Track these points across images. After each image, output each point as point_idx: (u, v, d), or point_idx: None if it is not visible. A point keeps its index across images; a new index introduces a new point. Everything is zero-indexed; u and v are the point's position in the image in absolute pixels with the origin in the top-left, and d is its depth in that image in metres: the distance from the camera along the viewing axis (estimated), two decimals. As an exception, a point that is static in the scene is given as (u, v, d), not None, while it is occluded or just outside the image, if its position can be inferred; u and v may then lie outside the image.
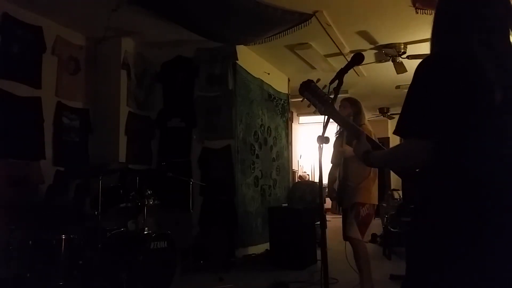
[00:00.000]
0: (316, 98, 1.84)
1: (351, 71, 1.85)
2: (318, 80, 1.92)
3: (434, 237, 1.27)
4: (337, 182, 3.66)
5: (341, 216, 3.76)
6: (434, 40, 1.41)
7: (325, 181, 3.75)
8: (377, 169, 3.60)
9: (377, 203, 3.66)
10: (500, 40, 1.33)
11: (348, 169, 3.59)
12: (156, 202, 4.16)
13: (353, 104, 3.70)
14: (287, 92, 7.70)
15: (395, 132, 1.34)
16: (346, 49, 6.03)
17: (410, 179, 1.51)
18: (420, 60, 1.37)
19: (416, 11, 4.69)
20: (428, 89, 1.27)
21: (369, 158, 1.52)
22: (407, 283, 1.37)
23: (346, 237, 3.59)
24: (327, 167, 3.76)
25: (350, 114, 3.62)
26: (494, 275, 1.20)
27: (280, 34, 5.30)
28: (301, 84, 1.91)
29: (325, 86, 1.84)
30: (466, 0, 1.37)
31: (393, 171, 1.65)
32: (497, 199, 1.21)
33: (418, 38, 5.54)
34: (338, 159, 3.70)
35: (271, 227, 5.46)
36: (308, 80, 1.91)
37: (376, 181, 3.64)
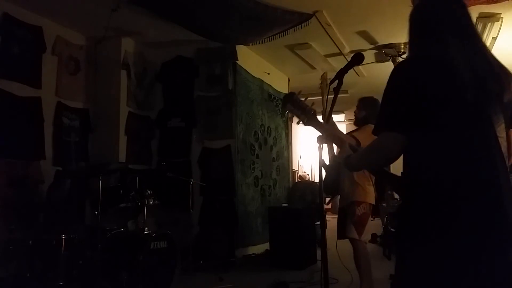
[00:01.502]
0: (299, 110, 1.88)
1: (351, 71, 1.85)
2: (300, 92, 1.99)
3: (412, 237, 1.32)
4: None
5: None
6: (410, 45, 1.50)
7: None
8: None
9: (374, 202, 3.62)
10: (471, 44, 1.41)
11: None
12: (156, 202, 4.16)
13: (366, 106, 3.65)
14: (287, 92, 7.70)
15: (373, 132, 1.42)
16: (346, 49, 6.03)
17: (385, 178, 1.60)
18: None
19: (416, 11, 4.69)
20: (402, 89, 1.35)
21: (349, 161, 1.58)
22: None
23: (340, 236, 3.58)
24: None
25: (364, 115, 3.59)
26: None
27: (280, 34, 5.30)
28: (283, 97, 2.05)
29: (306, 98, 1.91)
30: (439, 8, 1.46)
31: (371, 170, 1.72)
32: (458, 191, 1.25)
33: (418, 38, 5.53)
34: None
35: (271, 227, 5.46)
36: (290, 92, 1.98)
37: (372, 180, 3.61)
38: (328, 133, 1.82)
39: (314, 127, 1.84)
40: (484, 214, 1.24)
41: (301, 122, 1.90)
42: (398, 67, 1.43)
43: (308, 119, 1.84)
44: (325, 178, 3.75)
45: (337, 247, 3.20)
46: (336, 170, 3.47)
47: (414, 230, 1.31)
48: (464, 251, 1.23)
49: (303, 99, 1.90)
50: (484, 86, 1.35)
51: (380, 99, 1.43)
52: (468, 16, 1.46)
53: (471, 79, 1.33)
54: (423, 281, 1.27)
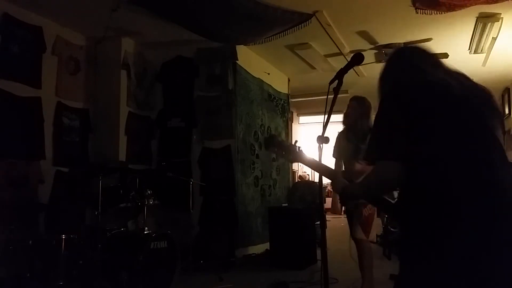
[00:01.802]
0: (283, 150, 1.93)
1: (351, 71, 1.84)
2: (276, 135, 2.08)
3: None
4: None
5: (341, 216, 3.76)
6: (387, 79, 1.58)
7: (325, 181, 3.74)
8: None
9: None
10: (445, 69, 1.52)
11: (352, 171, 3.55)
12: (156, 202, 4.16)
13: (361, 104, 3.65)
14: (287, 92, 7.70)
15: (366, 159, 1.46)
16: (346, 49, 6.03)
17: (387, 209, 1.60)
18: None
19: (416, 11, 4.70)
20: (395, 116, 1.37)
21: (346, 192, 1.60)
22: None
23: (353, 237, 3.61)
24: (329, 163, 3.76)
25: (360, 114, 3.58)
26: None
27: (280, 34, 5.30)
28: (264, 141, 2.11)
29: (296, 141, 1.99)
30: (412, 55, 1.59)
31: (369, 199, 1.73)
32: (462, 209, 1.26)
33: (418, 38, 5.54)
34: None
35: (271, 227, 5.46)
36: (271, 135, 2.09)
37: None
38: (317, 167, 1.82)
39: (302, 163, 1.89)
40: (484, 215, 1.24)
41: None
42: (388, 95, 1.47)
43: (294, 157, 1.89)
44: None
45: (337, 247, 3.21)
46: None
47: (417, 234, 1.32)
48: (465, 251, 1.23)
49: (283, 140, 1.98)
50: (475, 94, 1.41)
51: (379, 99, 1.44)
52: (436, 58, 1.56)
53: (460, 89, 1.39)
54: (427, 283, 1.29)
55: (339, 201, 3.88)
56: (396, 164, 1.34)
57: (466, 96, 1.40)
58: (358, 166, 3.40)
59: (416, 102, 1.36)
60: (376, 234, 6.65)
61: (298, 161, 1.90)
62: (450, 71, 1.51)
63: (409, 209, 1.37)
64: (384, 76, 1.61)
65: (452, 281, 1.24)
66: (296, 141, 2.03)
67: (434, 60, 1.55)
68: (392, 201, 1.57)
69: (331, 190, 3.73)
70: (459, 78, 1.47)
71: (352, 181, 1.63)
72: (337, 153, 3.75)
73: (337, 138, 3.75)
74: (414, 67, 1.51)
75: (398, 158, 1.33)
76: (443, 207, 1.27)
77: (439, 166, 1.30)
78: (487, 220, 1.24)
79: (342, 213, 3.85)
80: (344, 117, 3.74)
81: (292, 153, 1.89)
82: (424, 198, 1.31)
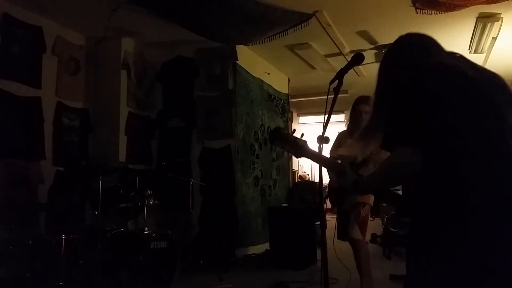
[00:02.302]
0: (287, 144, 1.80)
1: (351, 71, 1.84)
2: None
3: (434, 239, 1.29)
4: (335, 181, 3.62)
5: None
6: (398, 64, 1.54)
7: (325, 181, 3.74)
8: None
9: (372, 204, 3.66)
10: (461, 57, 1.50)
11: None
12: (156, 202, 4.15)
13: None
14: (287, 92, 7.70)
15: (384, 145, 1.39)
16: (346, 49, 6.03)
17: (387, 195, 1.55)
18: None
19: (416, 11, 4.70)
20: (417, 101, 1.33)
21: (359, 185, 1.54)
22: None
23: (342, 236, 3.59)
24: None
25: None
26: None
27: (280, 34, 5.30)
28: (270, 134, 1.88)
29: (294, 130, 1.88)
30: (423, 40, 1.58)
31: (383, 189, 1.60)
32: (485, 197, 1.23)
33: (418, 38, 5.53)
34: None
35: (271, 227, 5.46)
36: (275, 128, 1.93)
37: None
38: (324, 161, 1.78)
39: (307, 157, 1.76)
40: (500, 210, 1.22)
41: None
42: (406, 80, 1.41)
43: (299, 152, 1.76)
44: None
45: (337, 247, 3.21)
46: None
47: (433, 227, 1.29)
48: (481, 246, 1.22)
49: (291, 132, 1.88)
50: (491, 83, 1.38)
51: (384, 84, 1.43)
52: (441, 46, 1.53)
53: (479, 79, 1.35)
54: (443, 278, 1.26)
55: (329, 200, 3.83)
56: (416, 150, 1.30)
57: (482, 83, 1.37)
58: (342, 150, 3.36)
59: (435, 88, 1.33)
60: (376, 234, 6.66)
61: (304, 156, 1.77)
62: (459, 57, 1.48)
63: (424, 201, 1.33)
64: (392, 61, 1.57)
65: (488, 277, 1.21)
66: (302, 134, 1.94)
67: (441, 47, 1.52)
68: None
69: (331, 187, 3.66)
70: (470, 63, 1.45)
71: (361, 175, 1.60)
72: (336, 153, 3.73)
73: (339, 138, 3.70)
74: (425, 52, 1.48)
75: (418, 145, 1.30)
76: (463, 198, 1.24)
77: (457, 154, 1.27)
78: (503, 215, 1.22)
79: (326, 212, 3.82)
80: (356, 123, 3.56)
81: (299, 148, 1.76)
82: (441, 188, 1.28)
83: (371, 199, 3.58)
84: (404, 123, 1.35)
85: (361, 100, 3.60)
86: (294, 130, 2.20)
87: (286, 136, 1.82)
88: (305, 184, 8.38)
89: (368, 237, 4.72)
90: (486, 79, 1.41)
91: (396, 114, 1.38)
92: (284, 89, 7.59)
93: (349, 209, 3.57)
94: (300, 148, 1.76)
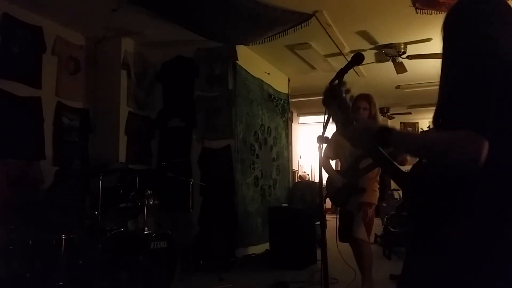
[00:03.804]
0: (342, 109, 1.38)
1: (351, 71, 1.83)
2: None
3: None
4: (339, 181, 3.57)
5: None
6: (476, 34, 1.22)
7: (324, 181, 3.74)
8: (380, 170, 3.50)
9: (377, 203, 3.67)
10: None
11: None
12: (156, 202, 4.16)
13: (372, 105, 3.52)
14: (287, 92, 7.70)
15: (445, 115, 1.16)
16: (346, 49, 6.03)
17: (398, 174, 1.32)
18: None
19: (416, 11, 4.69)
20: (498, 89, 1.08)
21: (387, 136, 1.20)
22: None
23: (345, 238, 3.59)
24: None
25: (369, 116, 3.46)
26: None
27: (280, 34, 5.30)
28: (326, 92, 1.42)
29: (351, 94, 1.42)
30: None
31: (422, 158, 1.27)
32: None
33: (418, 38, 5.54)
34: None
35: (271, 227, 5.46)
36: (336, 84, 1.42)
37: (378, 182, 3.64)
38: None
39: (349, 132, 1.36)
40: None
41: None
42: (493, 58, 1.13)
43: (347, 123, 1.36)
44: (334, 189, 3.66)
45: (338, 248, 3.22)
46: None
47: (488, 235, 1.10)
48: None
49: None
50: None
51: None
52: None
53: None
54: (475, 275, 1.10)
55: (331, 201, 3.80)
56: (486, 144, 1.01)
57: None
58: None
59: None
60: (376, 234, 6.67)
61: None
62: None
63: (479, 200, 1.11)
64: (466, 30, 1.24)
65: None
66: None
67: None
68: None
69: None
70: None
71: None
72: (333, 152, 3.65)
73: (334, 138, 3.49)
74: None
75: (488, 138, 1.02)
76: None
77: None
78: None
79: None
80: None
81: (347, 122, 1.36)
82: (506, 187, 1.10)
83: (377, 199, 3.59)
84: (483, 105, 1.07)
85: (360, 97, 3.58)
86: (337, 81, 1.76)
87: (343, 100, 1.39)
88: (305, 184, 8.38)
89: (372, 238, 4.73)
90: None
91: (475, 89, 1.09)
92: (284, 89, 7.58)
93: (354, 209, 3.54)
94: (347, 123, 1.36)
